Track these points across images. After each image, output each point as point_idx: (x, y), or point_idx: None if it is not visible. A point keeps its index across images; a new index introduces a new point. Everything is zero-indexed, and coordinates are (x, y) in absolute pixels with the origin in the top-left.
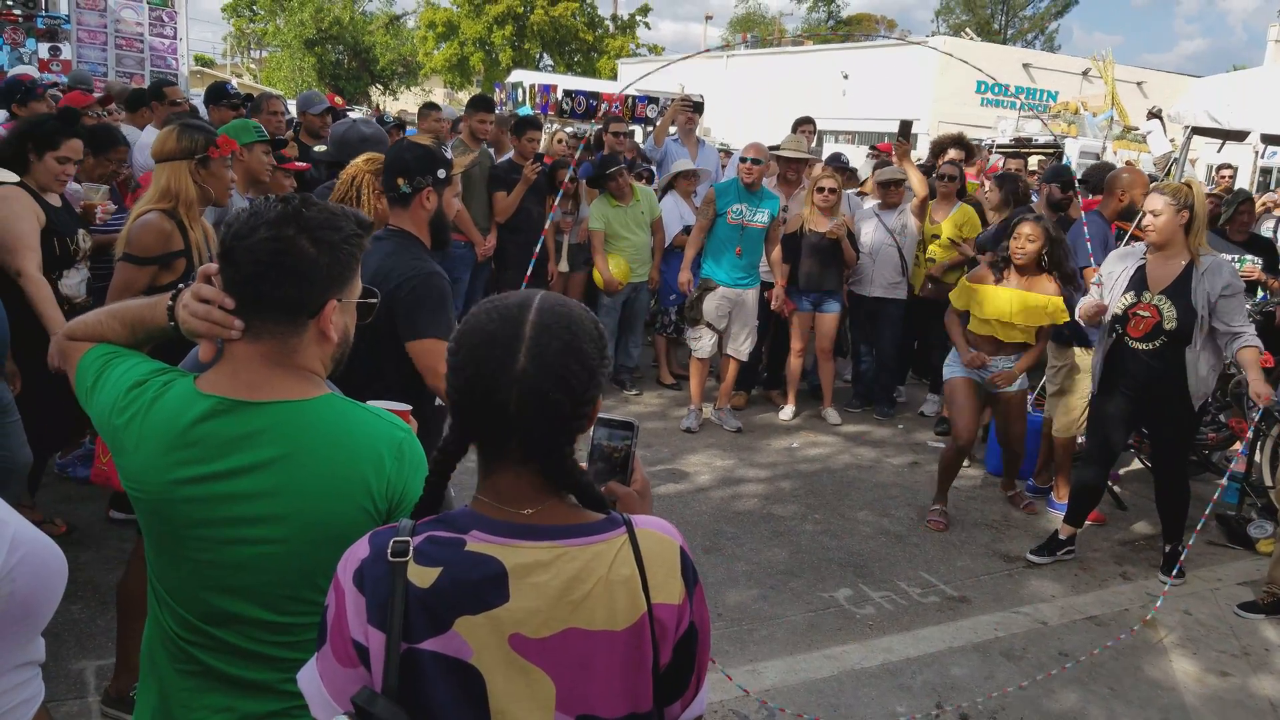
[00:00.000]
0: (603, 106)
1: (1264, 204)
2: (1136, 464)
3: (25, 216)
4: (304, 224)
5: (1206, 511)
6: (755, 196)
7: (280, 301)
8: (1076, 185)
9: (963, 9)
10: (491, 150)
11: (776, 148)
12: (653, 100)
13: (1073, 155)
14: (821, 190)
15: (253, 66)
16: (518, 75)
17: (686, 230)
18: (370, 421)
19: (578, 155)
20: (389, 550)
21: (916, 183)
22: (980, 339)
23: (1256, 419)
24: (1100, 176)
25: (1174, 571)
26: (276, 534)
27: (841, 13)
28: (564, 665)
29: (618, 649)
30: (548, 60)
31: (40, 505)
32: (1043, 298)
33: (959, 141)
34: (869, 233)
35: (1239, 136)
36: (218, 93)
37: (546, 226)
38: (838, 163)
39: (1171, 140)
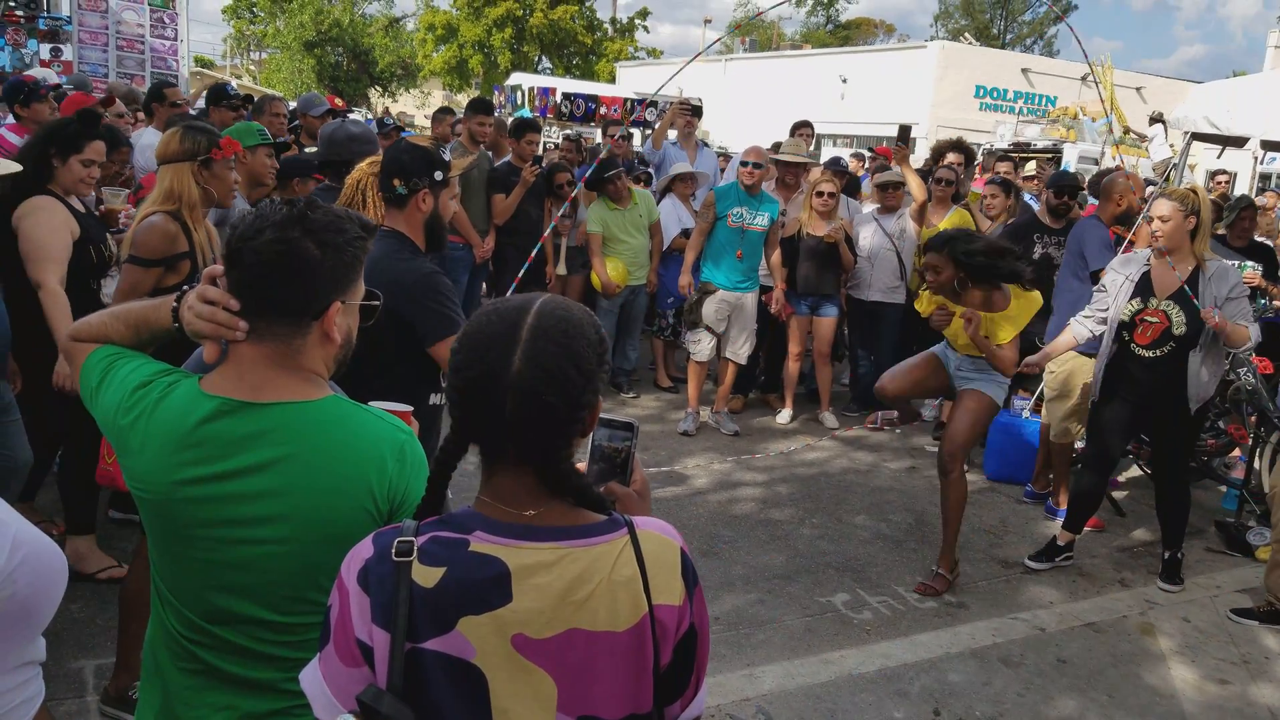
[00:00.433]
0: (604, 110)
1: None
2: (1136, 470)
3: (57, 229)
4: (309, 226)
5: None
6: (755, 200)
7: (285, 303)
8: (1079, 191)
9: (962, 14)
10: (489, 153)
11: (775, 150)
12: (651, 103)
13: (1071, 160)
14: (820, 194)
15: (252, 68)
16: (517, 78)
17: (685, 233)
18: (373, 423)
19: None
20: (393, 550)
21: (915, 187)
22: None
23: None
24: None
25: (1173, 578)
26: (279, 534)
27: (840, 17)
28: (566, 666)
29: (619, 650)
30: (546, 63)
31: (40, 506)
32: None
33: (958, 146)
34: (867, 237)
35: (1239, 142)
36: (218, 94)
37: (546, 234)
38: (836, 166)
39: (1171, 146)
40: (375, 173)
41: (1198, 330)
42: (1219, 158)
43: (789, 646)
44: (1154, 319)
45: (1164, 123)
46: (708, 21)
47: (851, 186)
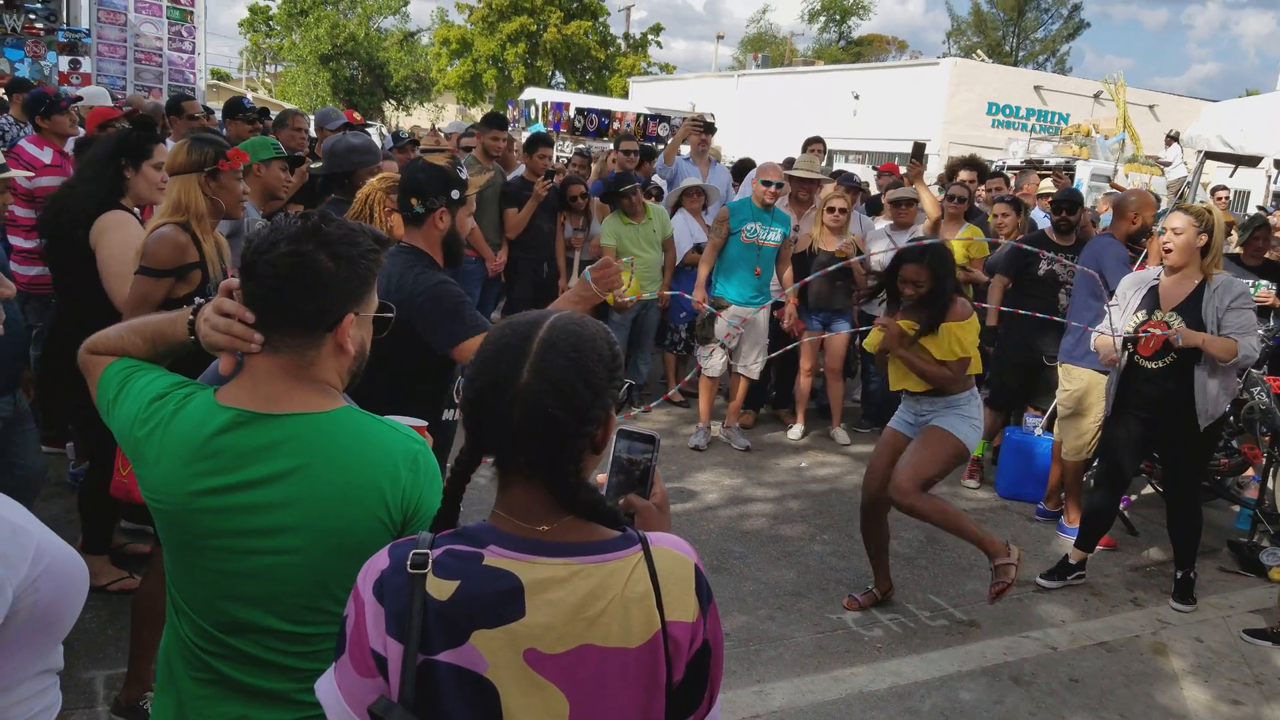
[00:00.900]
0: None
1: None
2: (1149, 489)
3: (136, 245)
4: (323, 239)
5: None
6: (769, 215)
7: (299, 315)
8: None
9: (974, 31)
10: (500, 167)
11: (789, 166)
12: (664, 119)
13: (1084, 178)
14: (831, 210)
15: (268, 81)
16: (531, 93)
17: (697, 248)
18: (386, 434)
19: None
20: (408, 562)
21: (929, 204)
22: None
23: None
24: None
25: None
26: (294, 544)
27: (853, 33)
28: (578, 681)
29: (631, 666)
30: (560, 78)
31: (52, 515)
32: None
33: (970, 163)
34: (880, 251)
35: (1252, 161)
36: (234, 107)
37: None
38: (849, 182)
39: (1185, 164)
40: (383, 188)
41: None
42: (1232, 176)
43: (799, 663)
44: (1156, 330)
45: (1179, 141)
46: (720, 37)
47: (875, 206)
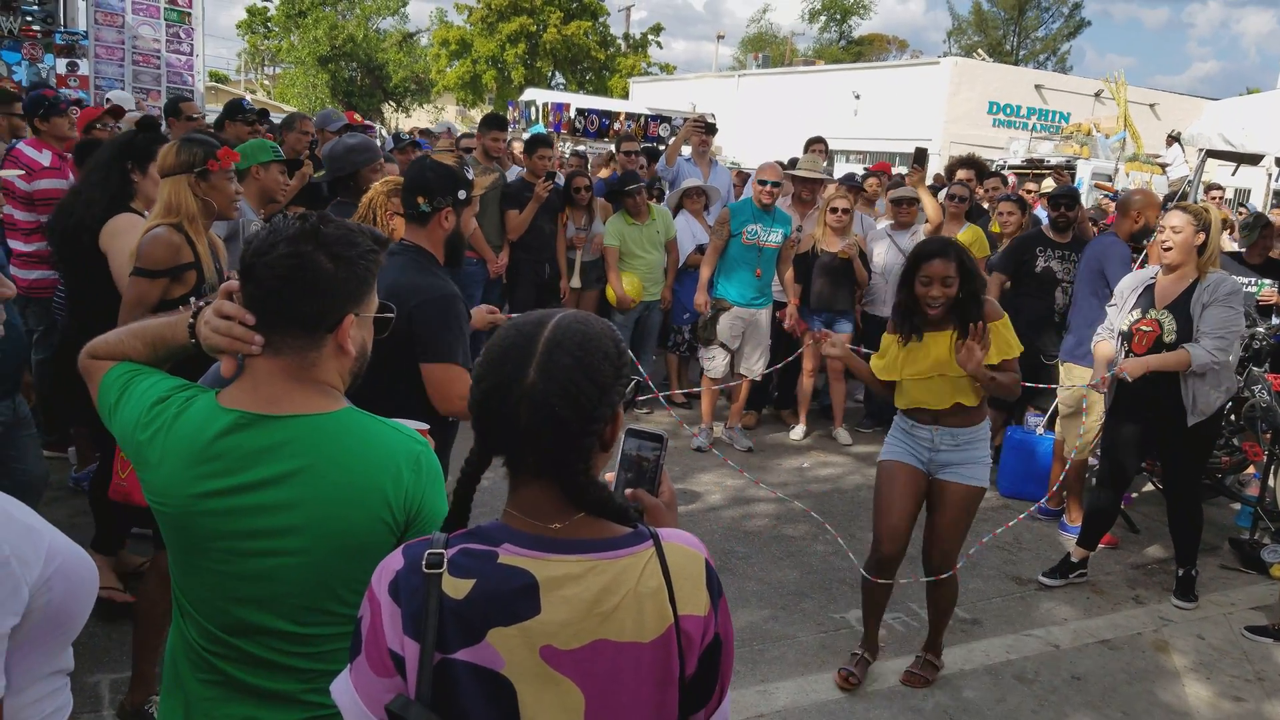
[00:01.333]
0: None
1: None
2: (1150, 486)
3: None
4: (321, 240)
5: None
6: (770, 217)
7: (299, 316)
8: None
9: (975, 30)
10: (500, 169)
11: (788, 167)
12: (665, 120)
13: (1085, 177)
14: (834, 210)
15: (266, 83)
16: (531, 93)
17: (699, 249)
18: (388, 434)
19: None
20: (424, 561)
21: (931, 210)
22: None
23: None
24: None
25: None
26: (297, 545)
27: (853, 33)
28: (593, 676)
29: (645, 660)
30: (560, 79)
31: (54, 520)
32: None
33: (968, 162)
34: (882, 253)
35: (1253, 160)
36: (234, 108)
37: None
38: (851, 182)
39: (1187, 163)
40: (385, 191)
41: (1188, 338)
42: (1234, 174)
43: (803, 663)
44: (1147, 328)
45: (1180, 142)
46: (720, 37)
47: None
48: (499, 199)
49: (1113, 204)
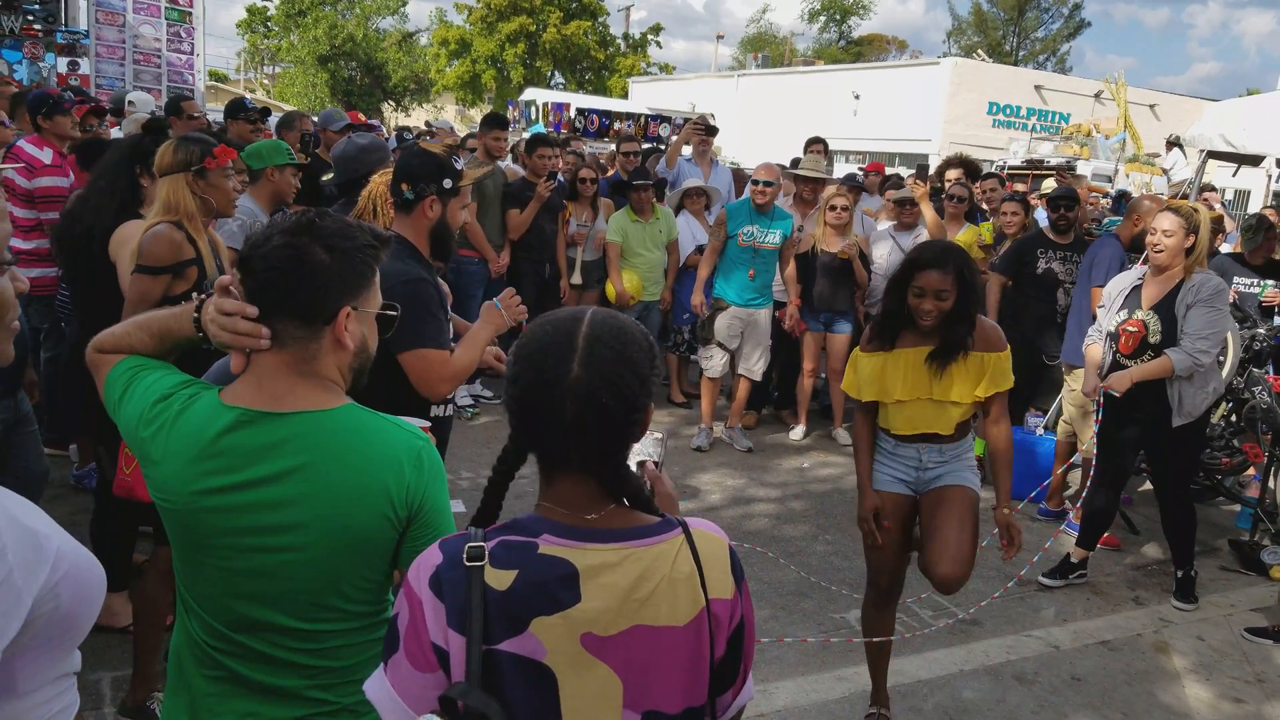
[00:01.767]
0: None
1: None
2: (1149, 486)
3: None
4: (317, 232)
5: None
6: (767, 218)
7: (295, 306)
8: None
9: (974, 30)
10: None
11: (790, 167)
12: (665, 119)
13: (1085, 177)
14: (834, 209)
15: (266, 82)
16: (531, 93)
17: (699, 249)
18: (390, 430)
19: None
20: (465, 555)
21: (931, 223)
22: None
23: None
24: None
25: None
26: (300, 541)
27: (853, 33)
28: (630, 661)
29: (680, 644)
30: (559, 79)
31: (56, 518)
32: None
33: (957, 161)
34: (884, 254)
35: (1254, 161)
36: (236, 107)
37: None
38: (852, 182)
39: (1187, 166)
40: (386, 182)
41: (1173, 338)
42: (1234, 175)
43: (803, 663)
44: (1133, 328)
45: (1180, 145)
46: (720, 37)
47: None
48: (500, 198)
49: (1101, 202)
